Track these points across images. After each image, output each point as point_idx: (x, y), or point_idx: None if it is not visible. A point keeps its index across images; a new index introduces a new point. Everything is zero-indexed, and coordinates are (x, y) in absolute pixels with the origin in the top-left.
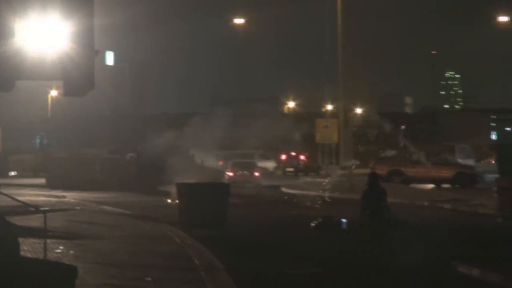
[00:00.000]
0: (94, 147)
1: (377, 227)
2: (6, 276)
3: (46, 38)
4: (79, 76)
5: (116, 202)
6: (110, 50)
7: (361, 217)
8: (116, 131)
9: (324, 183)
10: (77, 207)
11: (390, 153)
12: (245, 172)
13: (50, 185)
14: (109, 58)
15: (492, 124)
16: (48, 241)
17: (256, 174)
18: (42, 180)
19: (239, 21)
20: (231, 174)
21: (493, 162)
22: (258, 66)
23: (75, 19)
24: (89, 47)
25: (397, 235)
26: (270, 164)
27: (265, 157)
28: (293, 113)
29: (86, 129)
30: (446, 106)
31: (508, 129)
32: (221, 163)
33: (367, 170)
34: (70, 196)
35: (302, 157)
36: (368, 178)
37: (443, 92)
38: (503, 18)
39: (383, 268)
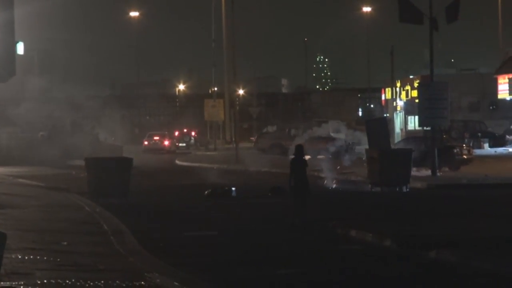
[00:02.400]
0: (8, 127)
1: (300, 189)
2: None
3: None
4: (2, 64)
5: (30, 176)
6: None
7: (290, 181)
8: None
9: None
10: None
11: (272, 128)
12: (157, 141)
13: None
14: (20, 48)
15: (358, 101)
16: None
17: (166, 143)
18: None
19: (134, 14)
20: (146, 143)
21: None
22: (153, 54)
23: None
24: (10, 38)
25: (280, 201)
26: None
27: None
28: (184, 94)
29: None
30: (318, 86)
31: (372, 106)
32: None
33: (251, 144)
34: None
35: (193, 133)
36: (294, 149)
37: (314, 74)
38: (366, 9)
39: (266, 230)
